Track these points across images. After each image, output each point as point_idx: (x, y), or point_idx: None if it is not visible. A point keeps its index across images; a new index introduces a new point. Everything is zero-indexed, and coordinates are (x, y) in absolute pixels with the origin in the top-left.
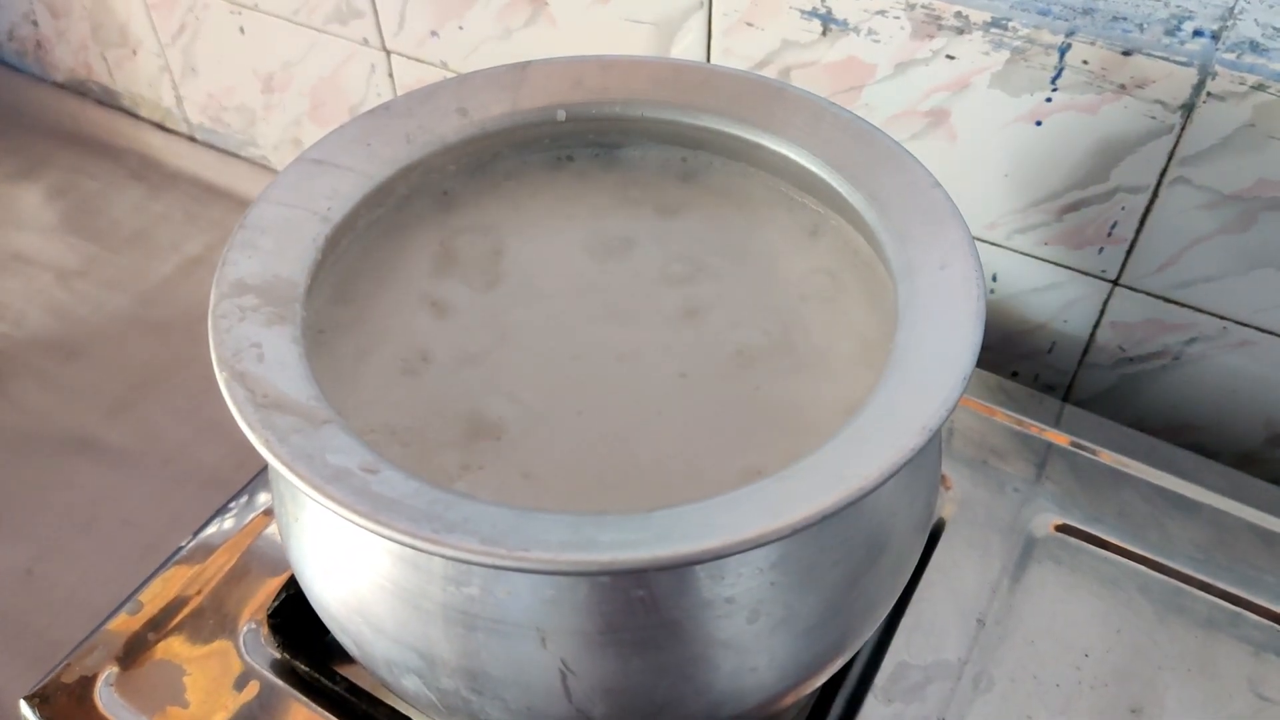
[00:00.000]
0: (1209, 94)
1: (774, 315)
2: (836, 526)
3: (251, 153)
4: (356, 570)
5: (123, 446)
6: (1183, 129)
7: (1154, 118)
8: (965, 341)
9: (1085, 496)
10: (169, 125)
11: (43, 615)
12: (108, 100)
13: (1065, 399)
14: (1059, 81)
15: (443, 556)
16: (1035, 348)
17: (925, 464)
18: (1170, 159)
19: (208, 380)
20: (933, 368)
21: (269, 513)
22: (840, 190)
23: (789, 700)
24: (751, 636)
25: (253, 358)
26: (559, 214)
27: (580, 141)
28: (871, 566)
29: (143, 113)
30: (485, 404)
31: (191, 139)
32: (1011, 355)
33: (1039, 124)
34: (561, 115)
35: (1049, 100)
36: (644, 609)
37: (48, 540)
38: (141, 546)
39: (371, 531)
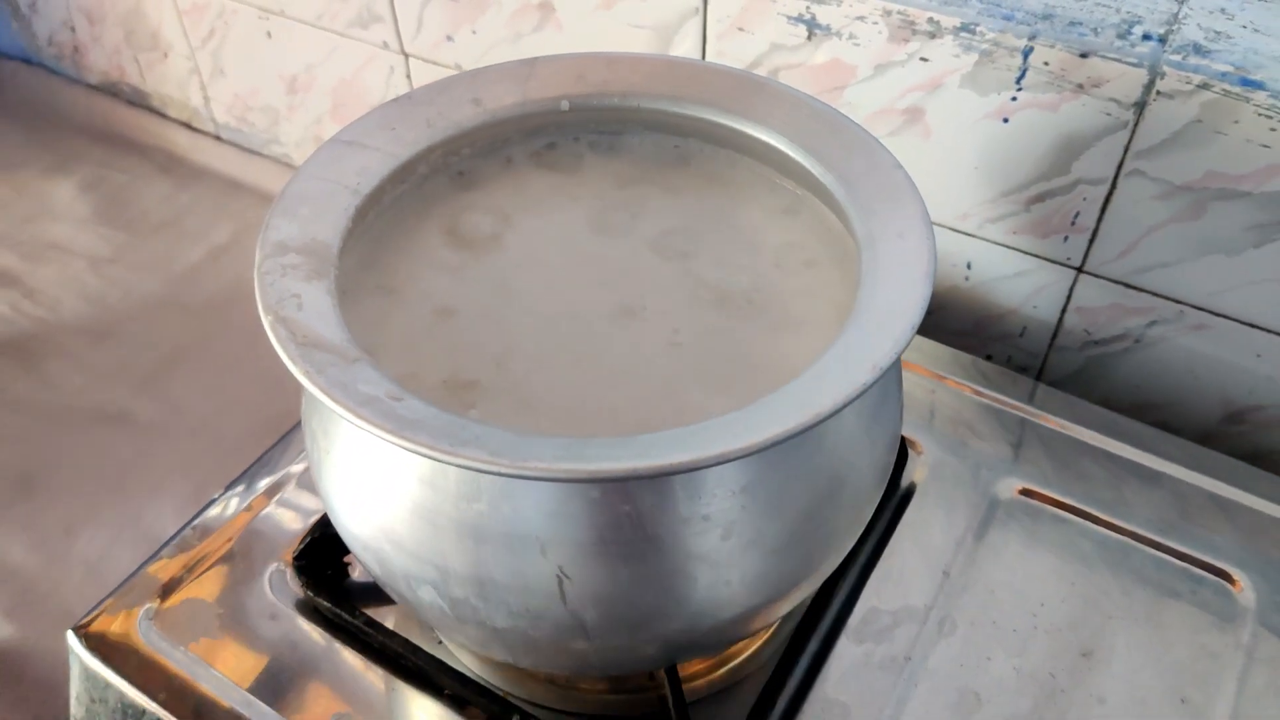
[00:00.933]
0: (1159, 92)
1: (754, 281)
2: (799, 457)
3: (275, 150)
4: (381, 495)
5: (151, 420)
6: (1136, 125)
7: (1110, 114)
8: (916, 296)
9: (1049, 465)
10: (196, 125)
11: (79, 568)
12: (138, 101)
13: (1038, 380)
14: (1023, 81)
15: (456, 465)
16: (1008, 332)
17: (884, 414)
18: (1126, 153)
19: (232, 358)
20: (887, 318)
21: (294, 470)
22: (814, 172)
23: (759, 622)
24: (725, 553)
25: (293, 306)
26: (562, 193)
27: (583, 130)
28: (832, 499)
29: (171, 113)
30: (493, 352)
31: (217, 138)
32: (986, 339)
33: (1006, 121)
34: (566, 105)
35: (1014, 99)
36: (631, 523)
37: (84, 503)
38: (170, 510)
39: (397, 445)
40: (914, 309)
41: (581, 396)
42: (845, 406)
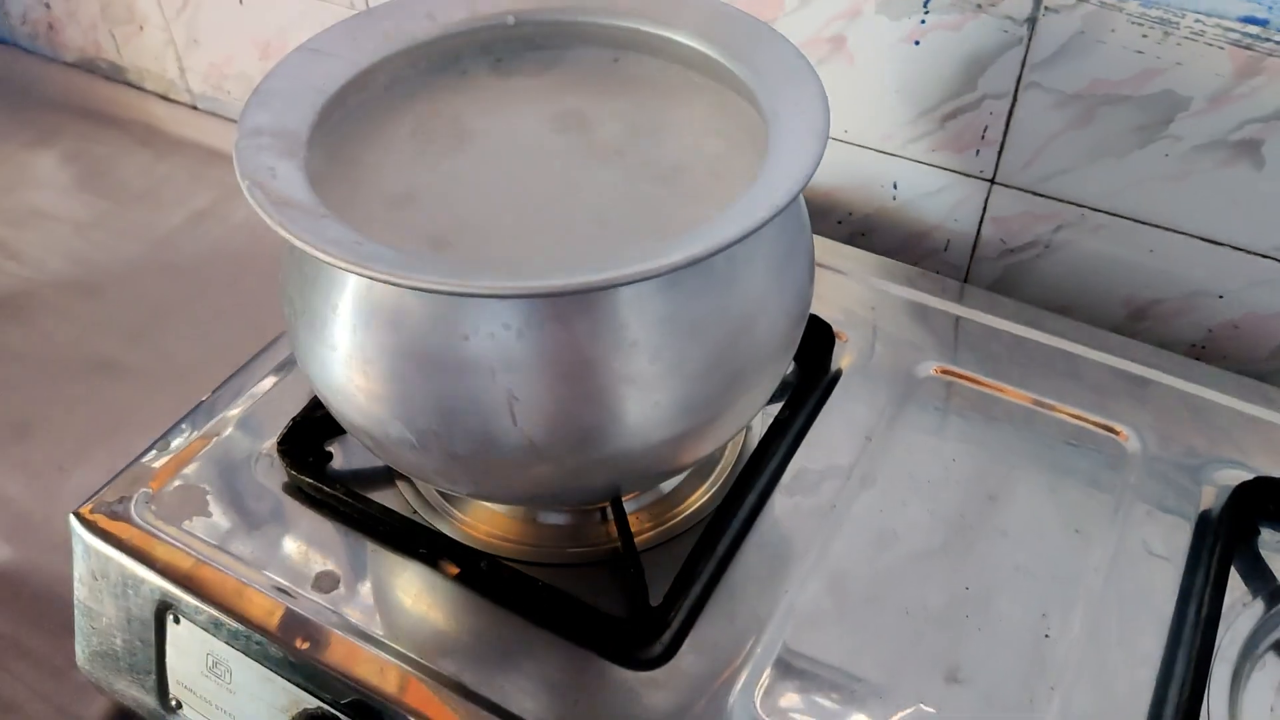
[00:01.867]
0: (1046, 8)
1: (681, 161)
2: (714, 291)
3: None
4: (352, 342)
5: (141, 367)
6: (1030, 39)
7: (1007, 31)
8: (810, 152)
9: (964, 349)
10: (172, 96)
11: (73, 500)
12: (115, 76)
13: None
14: (930, 5)
15: (412, 288)
16: (933, 247)
17: (792, 266)
18: (1023, 67)
19: (217, 312)
20: (786, 173)
21: (274, 376)
22: (729, 67)
23: (689, 451)
24: (653, 375)
25: (268, 175)
26: (511, 99)
27: (528, 44)
28: (747, 334)
29: (148, 85)
30: (449, 223)
31: (194, 108)
32: (914, 255)
33: (917, 43)
34: (511, 20)
35: (923, 22)
36: (569, 348)
37: (76, 444)
38: None
39: (359, 274)
40: (809, 161)
41: (527, 252)
42: (748, 235)
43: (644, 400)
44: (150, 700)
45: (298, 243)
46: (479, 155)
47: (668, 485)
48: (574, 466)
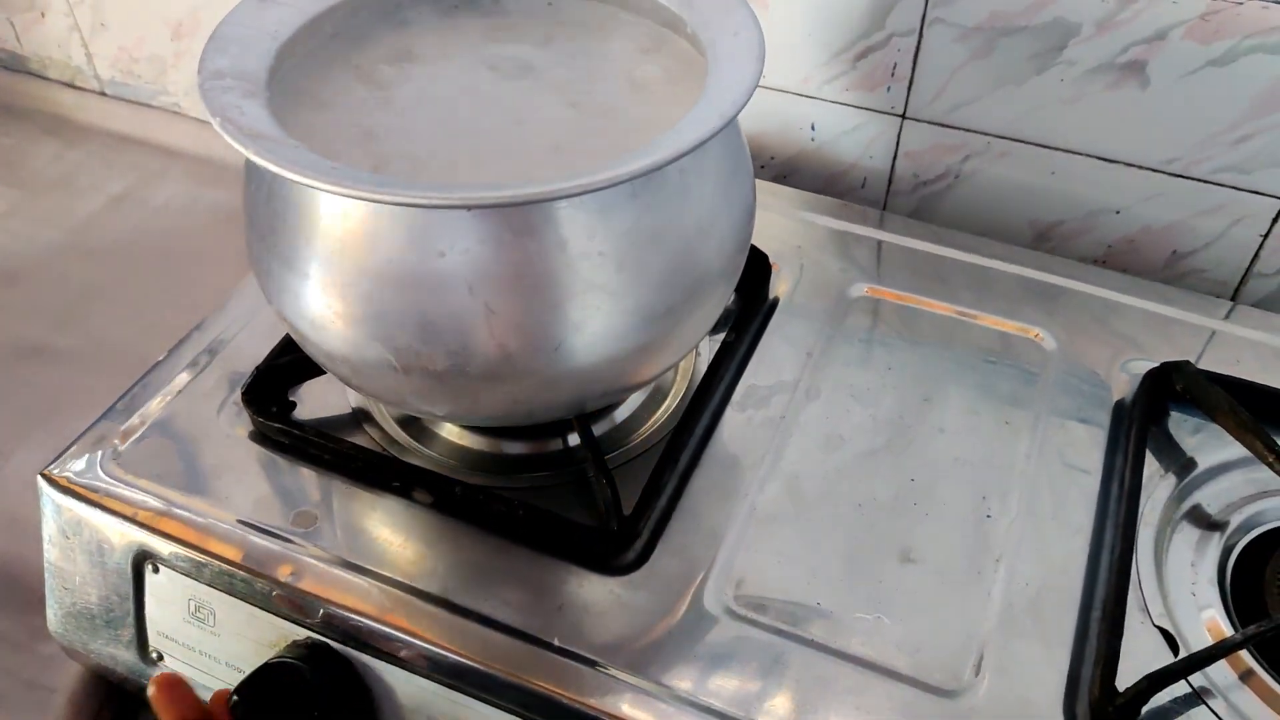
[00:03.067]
0: None
1: (624, 90)
2: (670, 203)
3: (164, 101)
4: (327, 268)
5: (71, 350)
6: None
7: None
8: (748, 71)
9: (891, 271)
10: (79, 83)
11: (16, 483)
12: (16, 66)
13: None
14: None
15: (382, 202)
16: (851, 184)
17: (736, 183)
18: (926, 4)
19: (144, 293)
20: (726, 93)
21: (231, 330)
22: (665, 4)
23: (653, 363)
24: (620, 282)
25: (236, 112)
26: (453, 45)
27: None
28: (702, 243)
29: (52, 74)
30: (412, 155)
31: (102, 94)
32: (834, 193)
33: None
34: None
35: None
36: (539, 258)
37: (13, 429)
38: None
39: (331, 192)
40: (749, 77)
41: (493, 177)
42: (704, 142)
43: (613, 308)
44: (129, 655)
45: (273, 167)
46: (429, 96)
47: (623, 413)
48: (548, 378)
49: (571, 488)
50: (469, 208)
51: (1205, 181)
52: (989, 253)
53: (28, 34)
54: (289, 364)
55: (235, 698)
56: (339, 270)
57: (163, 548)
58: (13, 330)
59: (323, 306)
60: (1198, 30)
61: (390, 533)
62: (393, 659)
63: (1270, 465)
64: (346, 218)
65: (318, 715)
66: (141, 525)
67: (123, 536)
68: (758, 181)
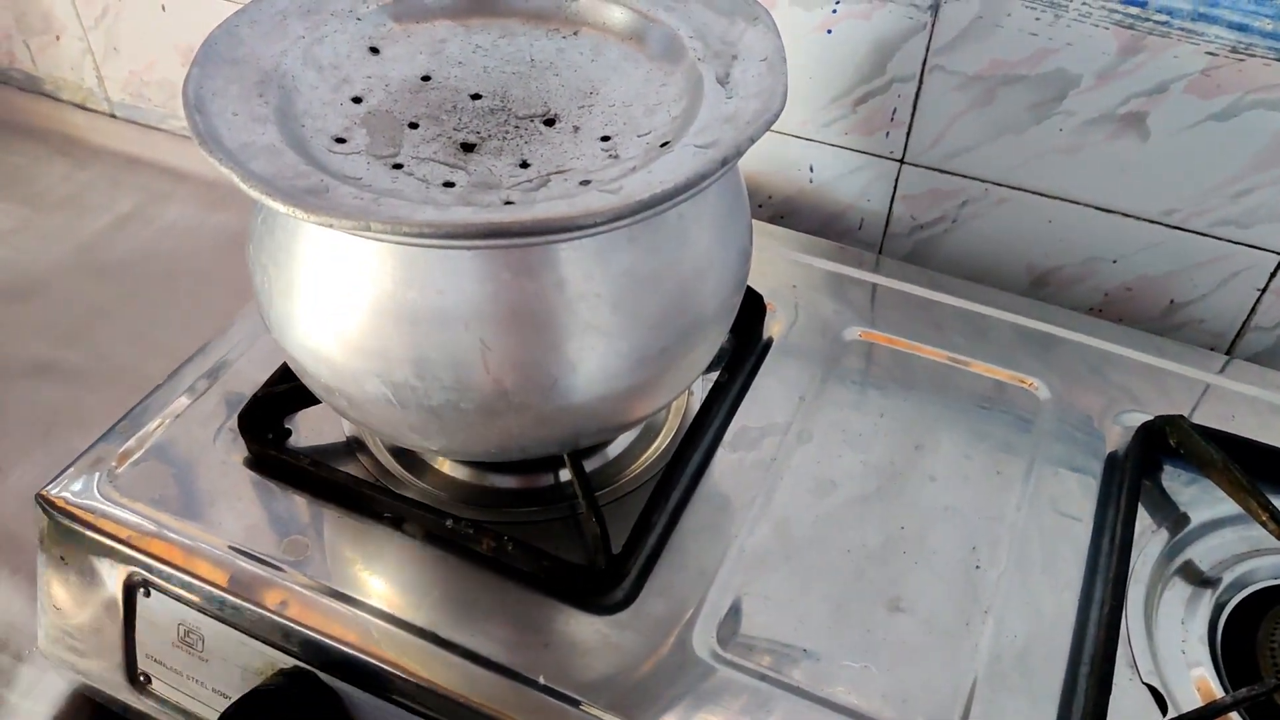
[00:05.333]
0: None
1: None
2: (668, 244)
3: (173, 125)
4: (328, 299)
5: (78, 368)
6: (934, 24)
7: (912, 18)
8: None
9: (885, 314)
10: (90, 105)
11: (13, 500)
12: (30, 86)
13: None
14: None
15: (377, 235)
16: (848, 226)
17: (733, 225)
18: (928, 50)
19: (151, 311)
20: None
21: (231, 355)
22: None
23: (646, 402)
24: (616, 324)
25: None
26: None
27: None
28: (697, 286)
29: (64, 95)
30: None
31: (112, 116)
32: (830, 235)
33: (829, 32)
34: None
35: (834, 11)
36: (538, 297)
37: (16, 445)
38: None
39: (321, 224)
40: (767, 114)
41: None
42: (689, 190)
43: (608, 348)
44: (117, 677)
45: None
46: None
47: (615, 449)
48: (541, 414)
49: (561, 524)
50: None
51: (1204, 235)
52: (984, 299)
53: (42, 56)
54: (286, 392)
55: None
56: (337, 304)
57: (155, 572)
58: (19, 346)
59: (322, 339)
60: (1199, 85)
61: (380, 564)
62: (378, 690)
63: (1263, 524)
64: (344, 251)
65: None
66: (135, 548)
67: (116, 559)
68: (754, 222)
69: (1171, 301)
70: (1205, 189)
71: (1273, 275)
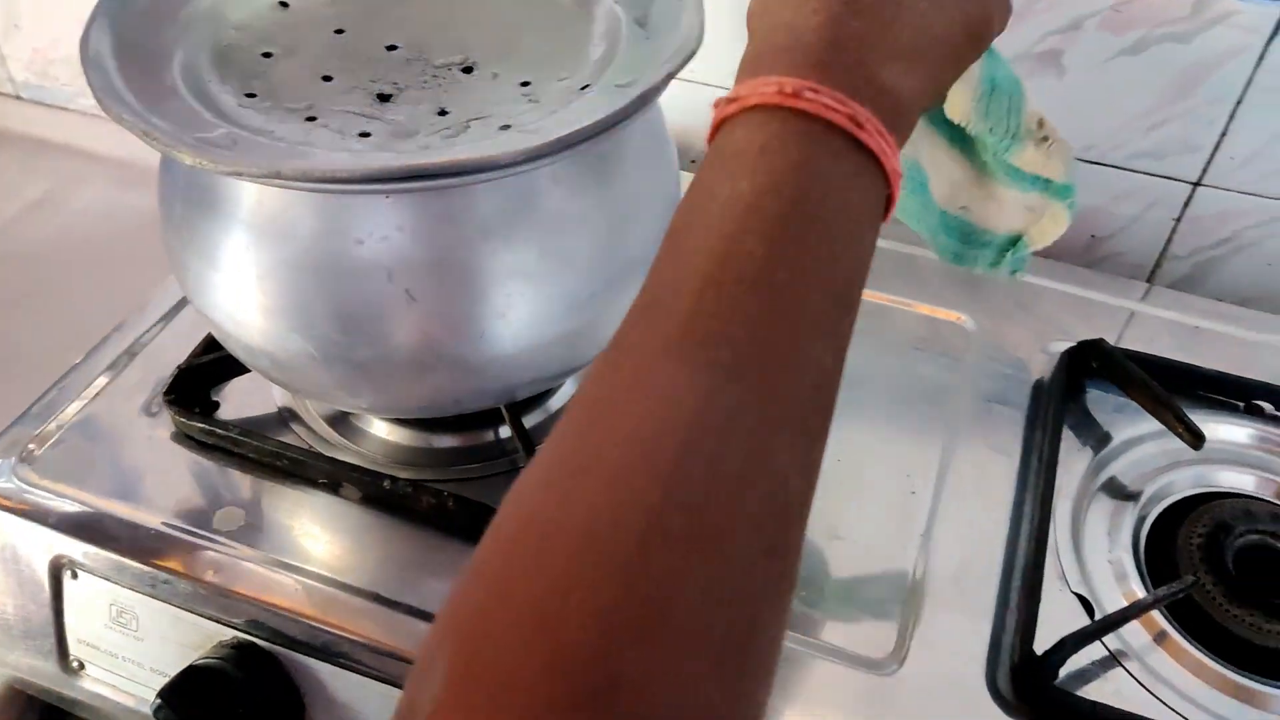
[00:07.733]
0: None
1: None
2: (588, 183)
3: (83, 104)
4: (245, 261)
5: None
6: None
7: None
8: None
9: None
10: None
11: None
12: None
13: None
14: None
15: (288, 183)
16: None
17: (658, 170)
18: None
19: (66, 297)
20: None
21: (149, 334)
22: None
23: (577, 351)
24: (543, 269)
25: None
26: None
27: None
28: (626, 230)
29: None
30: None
31: (17, 98)
32: None
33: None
34: None
35: None
36: (461, 243)
37: None
38: None
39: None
40: (678, 58)
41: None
42: (613, 124)
43: (536, 294)
44: (49, 666)
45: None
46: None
47: (556, 402)
48: (473, 366)
49: (503, 479)
50: (370, 181)
51: (1120, 168)
52: (914, 240)
53: None
54: (211, 363)
55: (159, 702)
56: (255, 260)
57: (81, 553)
58: None
59: (240, 299)
60: (1111, 20)
61: (319, 530)
62: (323, 655)
63: (1180, 436)
64: (257, 205)
65: (245, 715)
66: (59, 530)
67: (38, 543)
68: (684, 174)
69: (1093, 236)
70: (1120, 123)
71: (1186, 205)
